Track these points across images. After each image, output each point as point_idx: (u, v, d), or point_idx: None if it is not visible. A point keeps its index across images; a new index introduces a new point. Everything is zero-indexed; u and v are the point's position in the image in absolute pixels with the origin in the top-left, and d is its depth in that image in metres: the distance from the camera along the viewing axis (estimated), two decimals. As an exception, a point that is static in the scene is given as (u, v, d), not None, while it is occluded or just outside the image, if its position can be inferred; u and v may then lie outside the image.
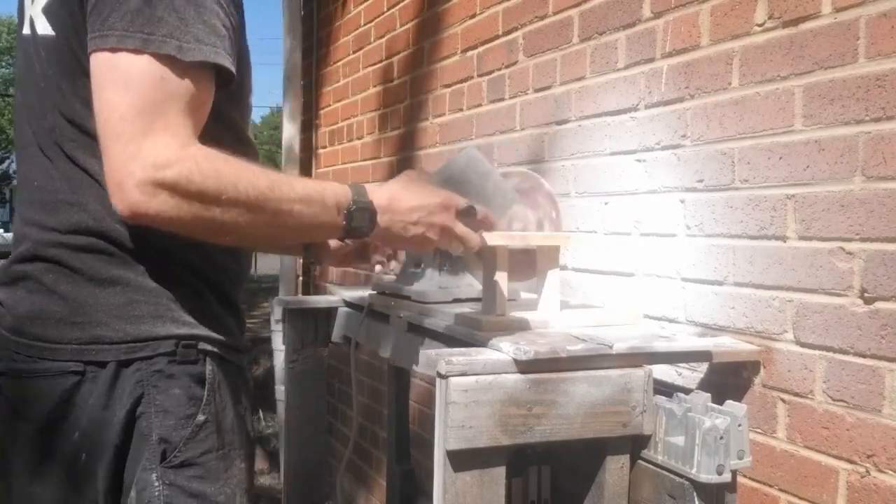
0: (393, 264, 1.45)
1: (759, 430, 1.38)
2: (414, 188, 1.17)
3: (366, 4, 3.34)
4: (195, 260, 1.16)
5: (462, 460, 1.15)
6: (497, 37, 2.25)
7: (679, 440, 1.21)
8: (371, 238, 1.15)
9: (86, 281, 1.11)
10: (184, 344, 1.13)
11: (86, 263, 1.11)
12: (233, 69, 1.06)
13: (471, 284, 1.66)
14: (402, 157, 2.94)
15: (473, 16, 2.40)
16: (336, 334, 2.10)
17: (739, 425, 1.21)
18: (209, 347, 1.16)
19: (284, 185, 1.05)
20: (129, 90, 0.98)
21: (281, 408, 3.69)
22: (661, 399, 1.26)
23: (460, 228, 1.18)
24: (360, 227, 1.10)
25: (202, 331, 1.15)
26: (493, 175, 1.33)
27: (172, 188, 0.97)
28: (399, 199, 1.14)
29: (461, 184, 1.27)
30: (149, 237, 1.08)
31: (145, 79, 0.98)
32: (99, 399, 1.10)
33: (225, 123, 1.15)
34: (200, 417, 1.13)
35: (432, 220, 1.15)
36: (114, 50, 0.99)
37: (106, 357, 1.10)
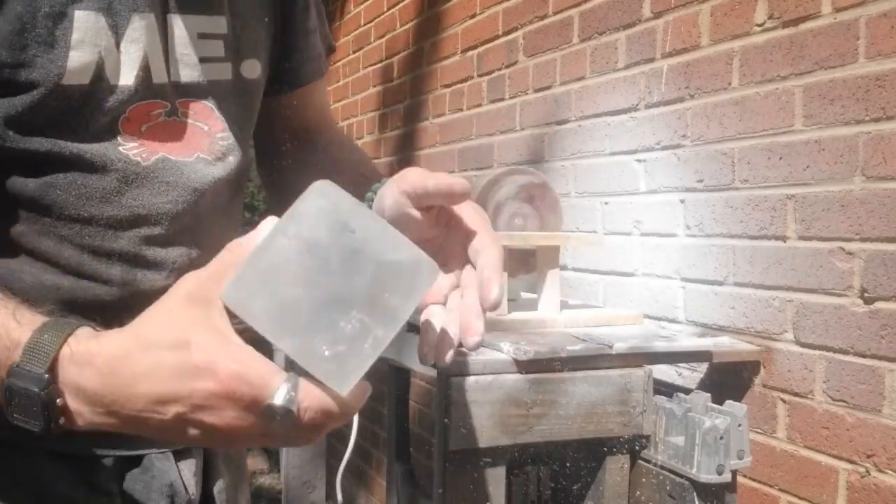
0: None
1: (759, 430, 1.38)
2: (168, 342, 0.53)
3: (366, 4, 3.34)
4: None
5: (462, 460, 1.15)
6: (497, 37, 2.25)
7: (679, 440, 1.21)
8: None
9: None
10: None
11: None
12: None
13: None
14: (402, 157, 2.94)
15: (473, 16, 2.40)
16: (336, 334, 2.09)
17: (739, 425, 1.21)
18: None
19: None
20: None
21: (281, 408, 3.69)
22: (661, 399, 1.26)
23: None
24: (25, 422, 0.56)
25: None
26: (374, 238, 0.55)
27: None
28: (125, 381, 0.54)
29: (297, 294, 0.53)
30: None
31: None
32: None
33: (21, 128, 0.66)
34: None
35: (203, 422, 0.53)
36: None
37: None
